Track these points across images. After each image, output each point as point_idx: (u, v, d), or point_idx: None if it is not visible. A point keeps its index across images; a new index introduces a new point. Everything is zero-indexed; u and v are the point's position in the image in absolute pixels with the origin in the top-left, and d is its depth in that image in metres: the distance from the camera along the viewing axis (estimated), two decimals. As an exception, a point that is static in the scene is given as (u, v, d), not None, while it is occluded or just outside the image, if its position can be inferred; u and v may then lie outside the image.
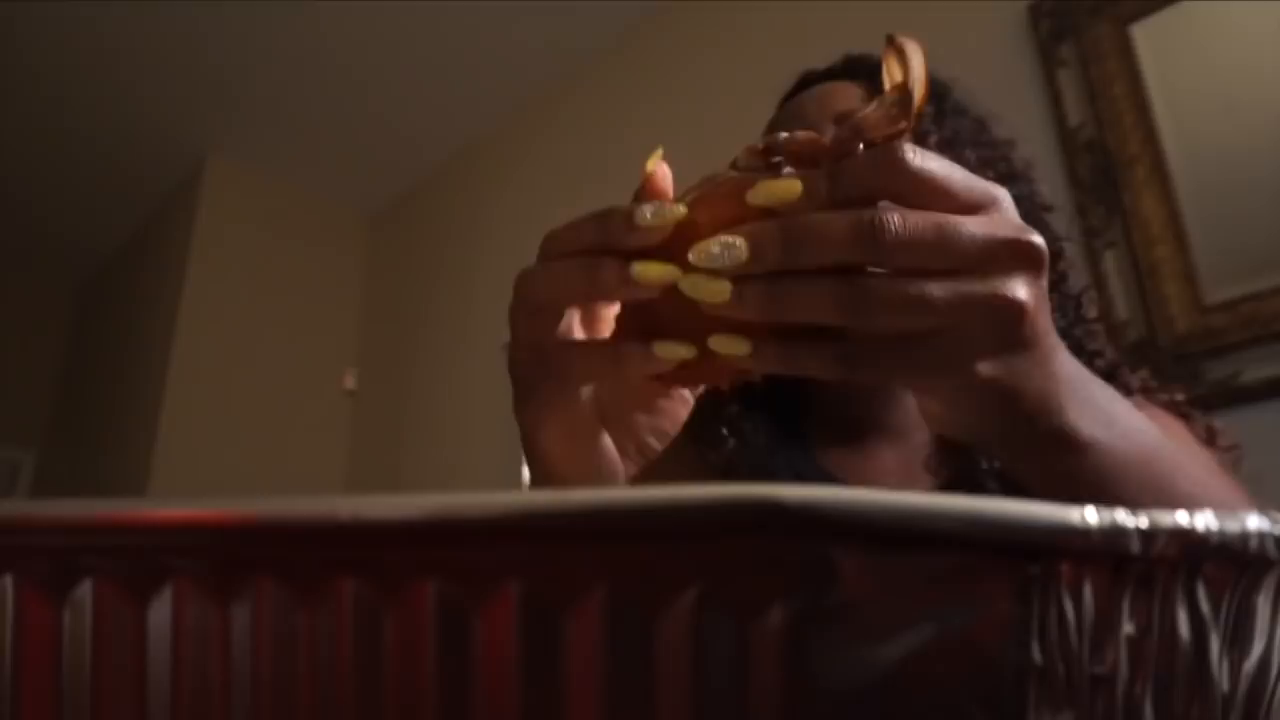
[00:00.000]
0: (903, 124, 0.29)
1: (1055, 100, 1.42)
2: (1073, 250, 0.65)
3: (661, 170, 0.33)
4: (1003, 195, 0.29)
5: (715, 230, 0.28)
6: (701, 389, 0.58)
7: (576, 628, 0.15)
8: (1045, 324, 0.29)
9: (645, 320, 0.32)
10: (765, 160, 0.31)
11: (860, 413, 0.59)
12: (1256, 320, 1.16)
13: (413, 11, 2.30)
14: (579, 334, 0.35)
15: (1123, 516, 0.16)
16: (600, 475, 0.37)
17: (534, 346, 0.34)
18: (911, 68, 0.30)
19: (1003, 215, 0.29)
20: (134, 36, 2.35)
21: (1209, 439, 0.59)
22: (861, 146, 0.29)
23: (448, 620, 0.16)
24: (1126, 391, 0.59)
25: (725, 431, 0.59)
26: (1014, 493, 0.20)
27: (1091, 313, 0.62)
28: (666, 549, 0.15)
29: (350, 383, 2.88)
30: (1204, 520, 0.17)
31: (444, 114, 2.65)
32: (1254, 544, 0.17)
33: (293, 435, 2.69)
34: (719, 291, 0.28)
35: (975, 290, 0.27)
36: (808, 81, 0.67)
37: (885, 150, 0.28)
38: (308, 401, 2.77)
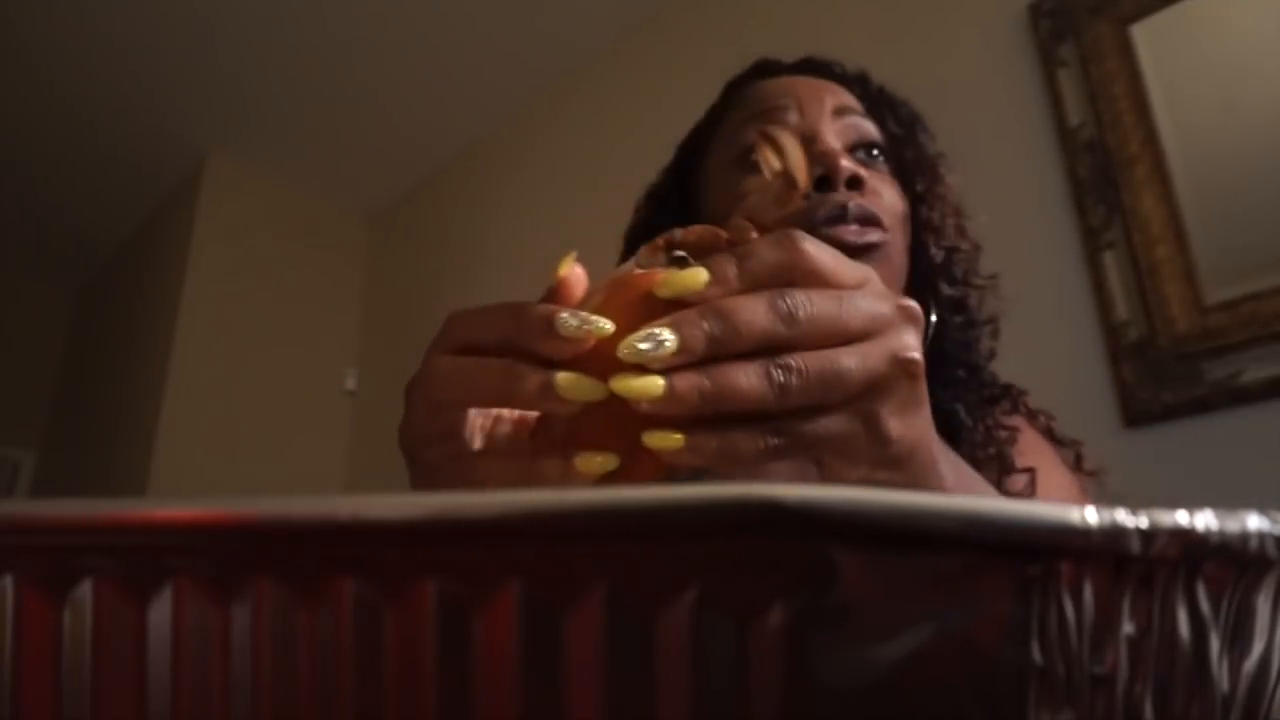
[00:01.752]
0: (790, 206, 0.30)
1: (1055, 100, 1.42)
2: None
3: (575, 274, 0.33)
4: (871, 273, 0.32)
5: (627, 330, 0.27)
6: None
7: (576, 628, 0.15)
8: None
9: (553, 421, 0.31)
10: (666, 255, 0.31)
11: None
12: (1256, 320, 1.16)
13: (414, 12, 2.30)
14: (479, 440, 0.34)
15: (1123, 516, 0.16)
16: None
17: (439, 439, 0.33)
18: (788, 155, 0.32)
19: (878, 287, 0.31)
20: (134, 37, 2.35)
21: (1075, 463, 0.63)
22: (754, 234, 0.31)
23: (448, 620, 0.16)
24: (1014, 408, 0.63)
25: None
26: None
27: (991, 341, 0.65)
28: (666, 549, 0.15)
29: (350, 383, 2.88)
30: (1204, 520, 0.17)
31: (445, 114, 2.65)
32: (1254, 544, 0.17)
33: (293, 435, 2.69)
34: (653, 389, 0.27)
35: (880, 351, 0.29)
36: (769, 69, 0.67)
37: (785, 235, 0.29)
38: (308, 401, 2.77)
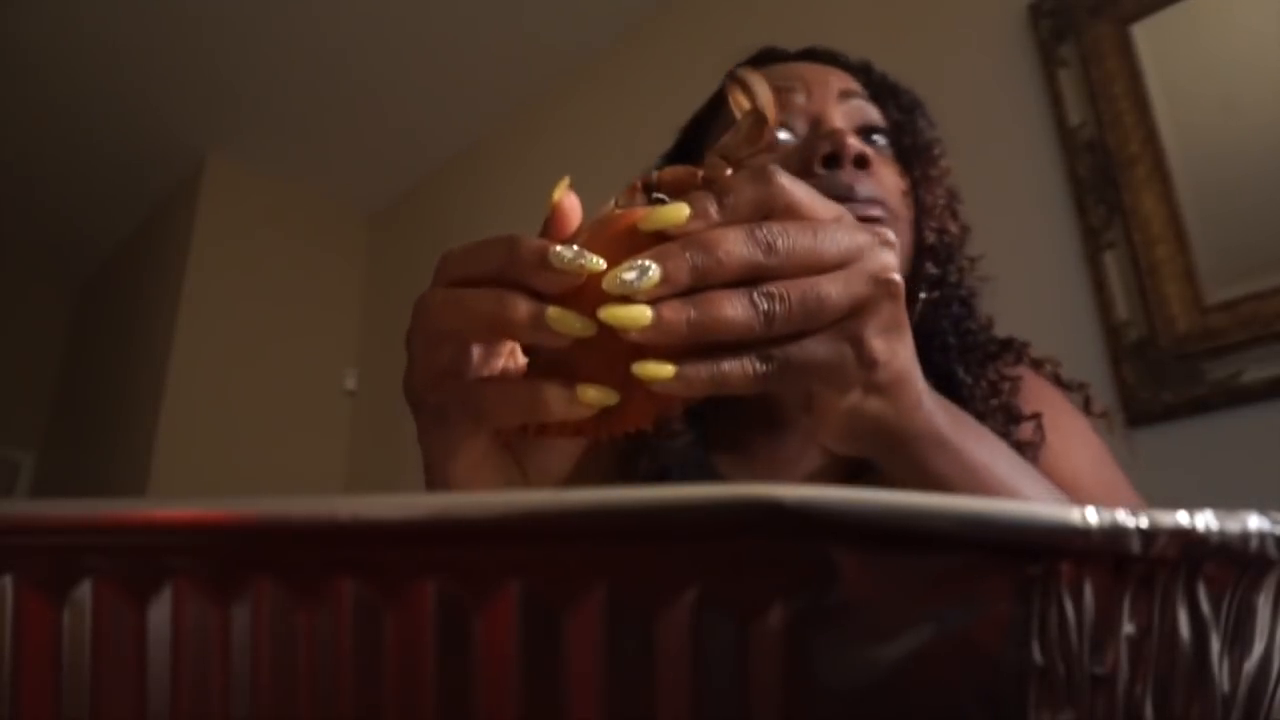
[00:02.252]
0: (761, 143, 0.31)
1: (1055, 100, 1.42)
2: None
3: (570, 200, 0.33)
4: (844, 210, 0.32)
5: (612, 265, 0.28)
6: None
7: (576, 628, 0.15)
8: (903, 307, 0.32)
9: (551, 360, 0.31)
10: (646, 196, 0.32)
11: (751, 409, 0.61)
12: (1257, 320, 1.16)
13: (414, 11, 2.30)
14: (486, 369, 0.35)
15: (1123, 516, 0.16)
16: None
17: (440, 375, 0.33)
18: (757, 94, 0.32)
19: (851, 220, 0.32)
20: (134, 37, 2.35)
21: (1084, 406, 0.63)
22: (730, 171, 0.31)
23: (448, 620, 0.16)
24: (1017, 359, 0.64)
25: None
26: None
27: (983, 317, 0.66)
28: (666, 549, 0.15)
29: (350, 383, 2.88)
30: (1204, 520, 0.17)
31: (445, 114, 2.65)
32: (1254, 544, 0.17)
33: (293, 435, 2.69)
34: (640, 318, 0.27)
35: (859, 274, 0.30)
36: (773, 56, 0.68)
37: (761, 169, 0.30)
38: (308, 401, 2.77)
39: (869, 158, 0.54)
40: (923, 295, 0.60)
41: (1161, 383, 1.21)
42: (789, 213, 0.30)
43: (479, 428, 0.33)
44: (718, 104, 0.68)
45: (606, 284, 0.28)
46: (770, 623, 0.15)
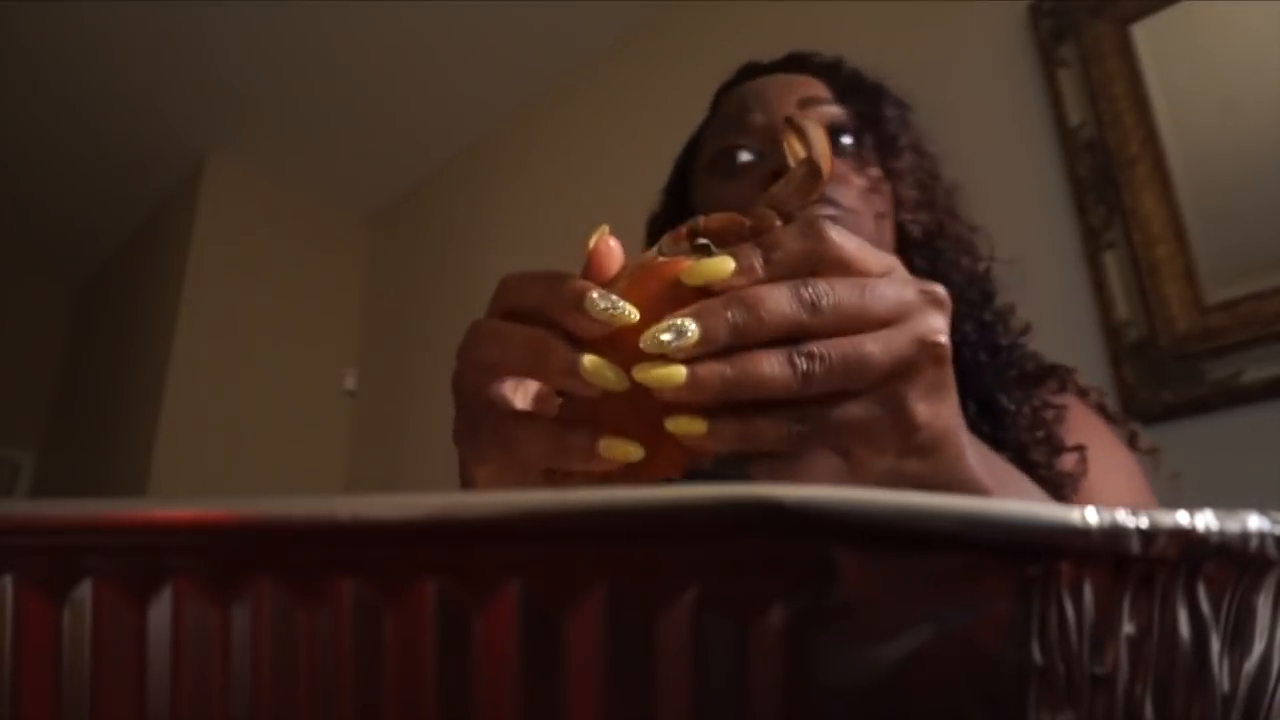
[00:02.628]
0: (814, 194, 0.31)
1: (1055, 100, 1.41)
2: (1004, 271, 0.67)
3: (607, 246, 0.33)
4: (897, 262, 0.31)
5: (653, 317, 0.28)
6: None
7: (576, 628, 0.15)
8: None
9: (585, 402, 0.31)
10: (690, 242, 0.31)
11: None
12: (1257, 320, 1.16)
13: (414, 11, 2.30)
14: (521, 402, 0.35)
15: (1123, 516, 0.16)
16: None
17: (478, 396, 0.33)
18: (813, 143, 0.32)
19: (903, 274, 0.31)
20: (134, 37, 2.35)
21: (1130, 441, 0.62)
22: (779, 223, 0.31)
23: (448, 620, 0.16)
24: (1062, 386, 0.62)
25: None
26: None
27: (1017, 325, 0.65)
28: (666, 549, 0.15)
29: (350, 383, 2.88)
30: (1204, 520, 0.17)
31: (445, 114, 2.65)
32: (1254, 544, 0.17)
33: (293, 435, 2.68)
34: (674, 377, 0.27)
35: (904, 336, 0.29)
36: (754, 71, 0.68)
37: (810, 224, 0.29)
38: (308, 401, 2.77)
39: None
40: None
41: (1161, 383, 1.21)
42: (838, 268, 0.29)
43: (508, 459, 0.33)
44: (703, 125, 0.69)
45: (644, 343, 0.27)
46: (770, 623, 0.15)
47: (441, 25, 2.34)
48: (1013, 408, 0.57)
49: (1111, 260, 1.30)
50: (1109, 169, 1.32)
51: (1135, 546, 0.16)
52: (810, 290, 0.28)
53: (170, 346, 2.55)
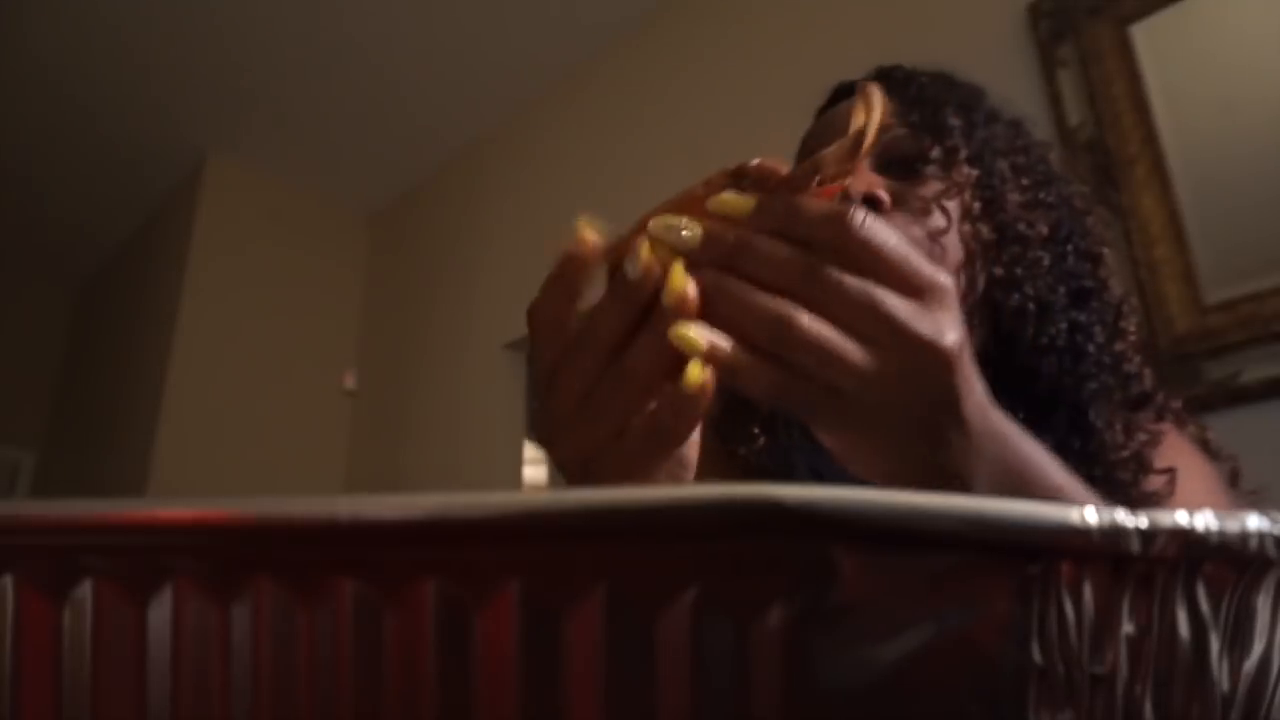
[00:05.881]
0: (851, 165, 0.31)
1: (1055, 100, 1.41)
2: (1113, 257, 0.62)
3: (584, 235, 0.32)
4: (945, 286, 0.29)
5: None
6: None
7: (576, 628, 0.15)
8: (970, 401, 0.30)
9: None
10: (734, 181, 0.32)
11: None
12: (1256, 320, 1.16)
13: (414, 11, 2.30)
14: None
15: (1123, 516, 0.16)
16: None
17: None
18: (873, 113, 0.32)
19: (941, 307, 0.29)
20: (135, 37, 2.35)
21: (1232, 480, 0.58)
22: (818, 181, 0.31)
23: (448, 620, 0.16)
24: (1159, 417, 0.59)
25: (756, 430, 0.59)
26: None
27: (1130, 323, 0.60)
28: (666, 549, 0.15)
29: (350, 383, 2.88)
30: (1204, 520, 0.17)
31: (445, 113, 2.65)
32: (1254, 544, 0.17)
33: (293, 435, 2.68)
34: (679, 273, 0.28)
35: (892, 365, 0.28)
36: (841, 93, 0.67)
37: (839, 210, 0.29)
38: (308, 401, 2.77)
39: (878, 198, 0.52)
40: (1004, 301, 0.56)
41: (1160, 383, 1.21)
42: (868, 254, 0.28)
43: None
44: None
45: (653, 224, 0.29)
46: (770, 623, 0.15)
47: (441, 26, 2.34)
48: (1099, 424, 0.54)
49: (1111, 260, 1.30)
50: (1108, 169, 1.32)
51: (1135, 546, 0.16)
52: (817, 262, 0.28)
53: (170, 346, 2.56)
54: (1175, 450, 0.56)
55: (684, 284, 0.28)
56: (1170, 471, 0.53)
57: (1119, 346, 0.58)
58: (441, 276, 2.69)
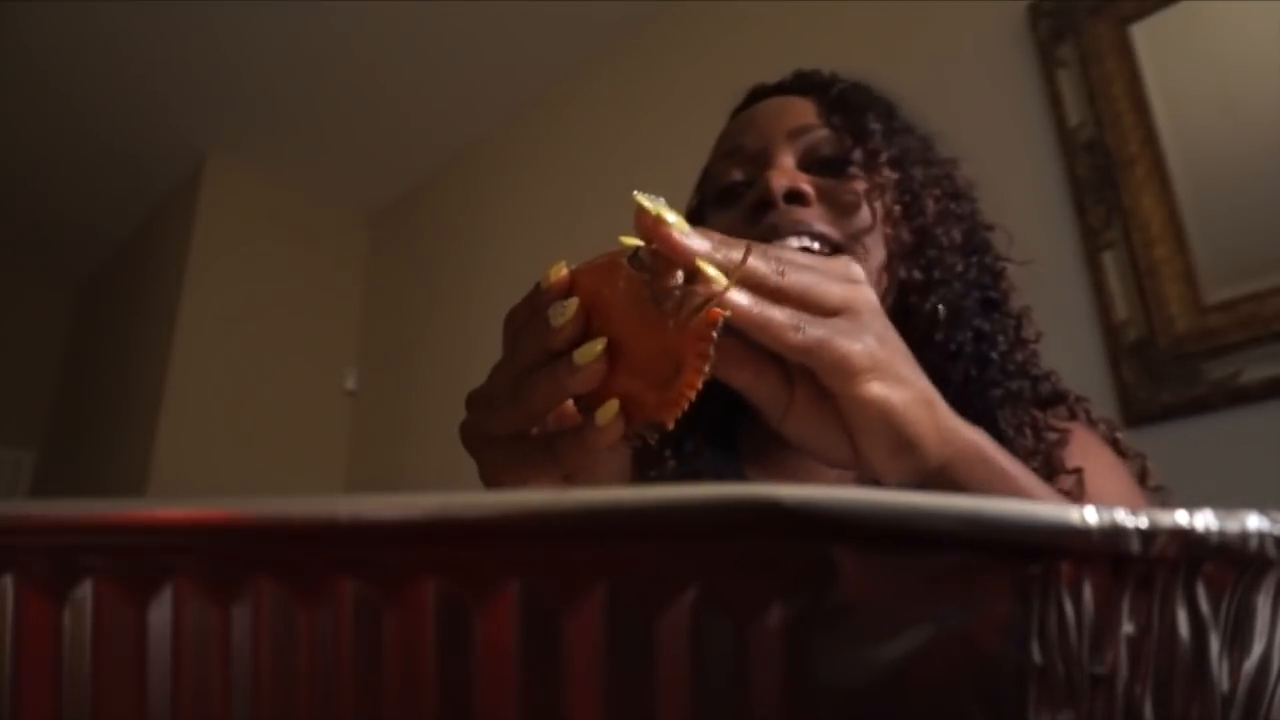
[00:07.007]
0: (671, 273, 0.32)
1: (1055, 100, 1.41)
2: (1021, 272, 0.66)
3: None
4: (853, 266, 0.36)
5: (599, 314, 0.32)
6: None
7: (576, 628, 0.15)
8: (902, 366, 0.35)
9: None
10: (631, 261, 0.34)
11: None
12: (1256, 320, 1.16)
13: (414, 11, 2.30)
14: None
15: (1122, 516, 0.16)
16: None
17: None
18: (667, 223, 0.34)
19: (846, 270, 0.35)
20: (135, 37, 2.35)
21: (1141, 477, 0.60)
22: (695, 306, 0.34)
23: (448, 620, 0.16)
24: (1071, 415, 0.61)
25: (667, 453, 0.62)
26: None
27: (1030, 333, 0.63)
28: (666, 549, 0.15)
29: (350, 383, 2.88)
30: (1204, 520, 0.17)
31: (445, 113, 2.65)
32: (1254, 544, 0.17)
33: (293, 435, 2.68)
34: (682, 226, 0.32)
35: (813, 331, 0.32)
36: (758, 94, 0.69)
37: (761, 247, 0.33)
38: (308, 401, 2.77)
39: (802, 192, 0.55)
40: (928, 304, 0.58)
41: (1160, 383, 1.21)
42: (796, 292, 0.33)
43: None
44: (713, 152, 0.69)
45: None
46: (770, 623, 0.15)
47: (441, 26, 2.34)
48: (1008, 430, 0.55)
49: (1110, 260, 1.30)
50: (1108, 169, 1.32)
51: (1135, 546, 0.16)
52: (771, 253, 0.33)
53: (170, 346, 2.55)
54: (1084, 448, 0.58)
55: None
56: (1078, 472, 0.55)
57: (1020, 356, 0.61)
58: (441, 276, 2.69)
